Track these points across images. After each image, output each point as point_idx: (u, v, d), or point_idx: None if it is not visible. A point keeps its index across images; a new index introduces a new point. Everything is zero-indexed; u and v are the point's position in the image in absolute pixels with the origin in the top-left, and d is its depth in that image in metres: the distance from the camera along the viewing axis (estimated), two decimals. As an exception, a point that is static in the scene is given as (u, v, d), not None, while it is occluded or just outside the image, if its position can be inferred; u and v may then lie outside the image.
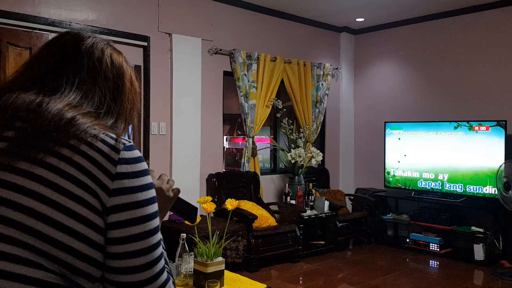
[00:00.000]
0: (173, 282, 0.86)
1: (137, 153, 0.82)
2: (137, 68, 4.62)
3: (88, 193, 0.75)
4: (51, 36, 3.83)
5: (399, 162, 5.83)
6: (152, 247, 0.79)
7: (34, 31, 3.76)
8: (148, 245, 0.78)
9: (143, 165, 0.82)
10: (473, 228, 5.05)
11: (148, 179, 0.82)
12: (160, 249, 0.82)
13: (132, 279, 0.77)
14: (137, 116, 1.07)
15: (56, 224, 0.72)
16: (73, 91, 0.85)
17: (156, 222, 0.81)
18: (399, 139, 5.84)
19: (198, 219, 2.24)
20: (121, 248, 0.76)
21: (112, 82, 0.91)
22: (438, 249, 5.22)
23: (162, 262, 0.82)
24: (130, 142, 0.83)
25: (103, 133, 0.80)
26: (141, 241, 0.77)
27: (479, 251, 4.89)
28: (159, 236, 0.82)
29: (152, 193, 0.81)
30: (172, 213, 1.10)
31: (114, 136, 0.81)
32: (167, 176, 1.04)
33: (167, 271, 0.85)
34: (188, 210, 1.09)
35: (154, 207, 0.81)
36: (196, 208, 1.09)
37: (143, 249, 0.78)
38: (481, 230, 4.98)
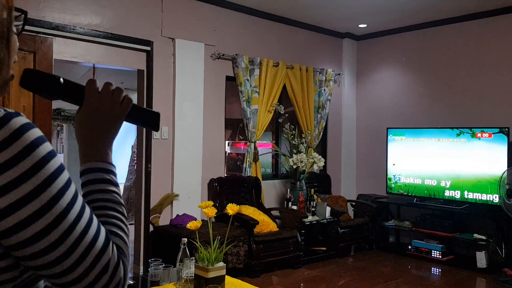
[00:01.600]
0: (121, 255, 0.71)
1: (13, 125, 0.60)
2: (140, 72, 4.64)
3: None
4: (55, 40, 3.85)
5: (400, 174, 5.83)
6: (56, 222, 0.62)
7: (38, 35, 3.77)
8: (47, 223, 0.61)
9: (26, 139, 0.60)
10: (476, 235, 5.03)
11: (38, 155, 0.60)
12: (73, 215, 0.64)
13: (47, 259, 0.63)
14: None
15: None
16: None
17: (52, 191, 0.62)
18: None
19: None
20: (21, 247, 0.61)
21: None
22: (440, 256, 5.20)
23: (80, 228, 0.65)
24: None
25: None
26: (34, 224, 0.60)
27: (481, 259, 4.87)
28: (61, 206, 0.62)
29: (47, 175, 0.62)
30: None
31: None
32: (112, 85, 0.83)
33: (112, 243, 0.69)
34: (148, 117, 0.92)
35: (49, 182, 0.62)
36: (158, 114, 0.92)
37: (41, 231, 0.61)
38: (484, 237, 4.95)
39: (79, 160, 0.82)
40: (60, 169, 0.64)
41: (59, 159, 0.65)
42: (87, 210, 0.67)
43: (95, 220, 0.68)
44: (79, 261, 0.65)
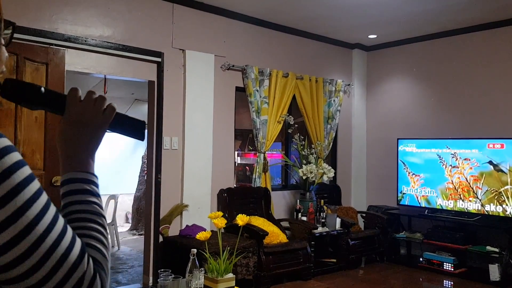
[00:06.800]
0: (99, 272, 0.68)
1: None
2: (150, 83, 4.68)
3: None
4: (68, 51, 3.90)
5: (410, 185, 5.78)
6: (22, 234, 0.60)
7: (51, 46, 3.83)
8: (13, 235, 0.60)
9: (6, 161, 0.60)
10: (488, 247, 4.95)
11: (3, 166, 0.60)
12: (41, 227, 0.62)
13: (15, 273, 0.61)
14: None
15: None
16: None
17: (18, 202, 0.60)
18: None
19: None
20: None
21: None
22: (452, 269, 5.12)
23: (51, 240, 0.63)
24: None
25: None
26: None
27: (494, 272, 4.79)
28: (27, 218, 0.61)
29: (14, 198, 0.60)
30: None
31: None
32: (95, 94, 0.81)
33: (87, 255, 0.67)
34: (133, 126, 0.88)
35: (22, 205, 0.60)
36: (144, 122, 0.89)
37: (7, 243, 0.60)
38: (497, 249, 4.88)
39: (60, 170, 0.79)
40: (27, 180, 0.62)
41: (27, 169, 0.63)
42: (60, 221, 0.65)
43: (69, 232, 0.66)
44: (50, 274, 0.62)
